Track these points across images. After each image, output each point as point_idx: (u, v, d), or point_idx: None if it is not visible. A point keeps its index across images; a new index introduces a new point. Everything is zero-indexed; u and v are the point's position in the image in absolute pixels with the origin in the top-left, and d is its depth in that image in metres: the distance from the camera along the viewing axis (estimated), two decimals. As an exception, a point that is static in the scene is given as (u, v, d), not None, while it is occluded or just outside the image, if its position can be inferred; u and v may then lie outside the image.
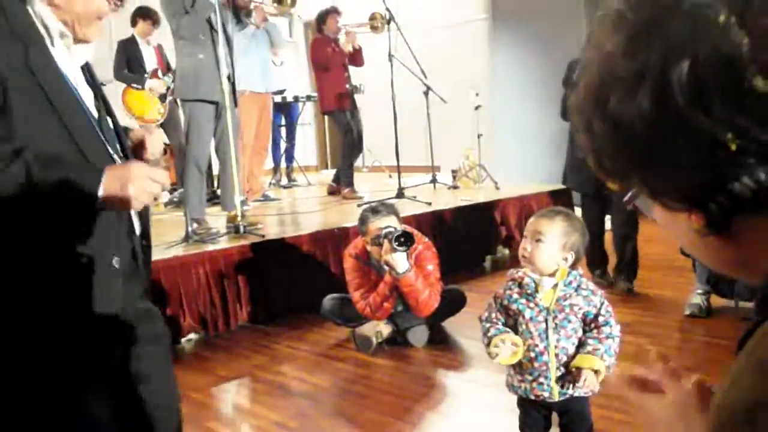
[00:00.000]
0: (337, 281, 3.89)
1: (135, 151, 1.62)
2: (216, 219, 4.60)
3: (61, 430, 1.39)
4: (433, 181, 6.28)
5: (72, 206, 1.29)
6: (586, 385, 1.86)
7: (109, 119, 1.51)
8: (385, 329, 3.46)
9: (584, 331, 1.94)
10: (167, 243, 3.99)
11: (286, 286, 4.00)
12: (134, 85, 6.02)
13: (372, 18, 6.30)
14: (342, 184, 6.15)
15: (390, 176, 6.67)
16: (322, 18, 6.15)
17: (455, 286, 3.81)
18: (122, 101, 6.04)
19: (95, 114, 1.45)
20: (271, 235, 4.23)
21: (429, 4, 7.61)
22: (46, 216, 1.28)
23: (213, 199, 5.36)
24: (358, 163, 7.41)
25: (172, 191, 6.24)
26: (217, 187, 5.82)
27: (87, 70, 1.50)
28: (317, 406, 2.90)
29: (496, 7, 7.08)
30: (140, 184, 1.31)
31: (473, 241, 5.05)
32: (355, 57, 6.26)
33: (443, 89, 6.03)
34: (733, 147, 0.46)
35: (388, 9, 5.69)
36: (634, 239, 4.13)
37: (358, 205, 4.86)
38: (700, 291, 3.60)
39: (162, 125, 6.25)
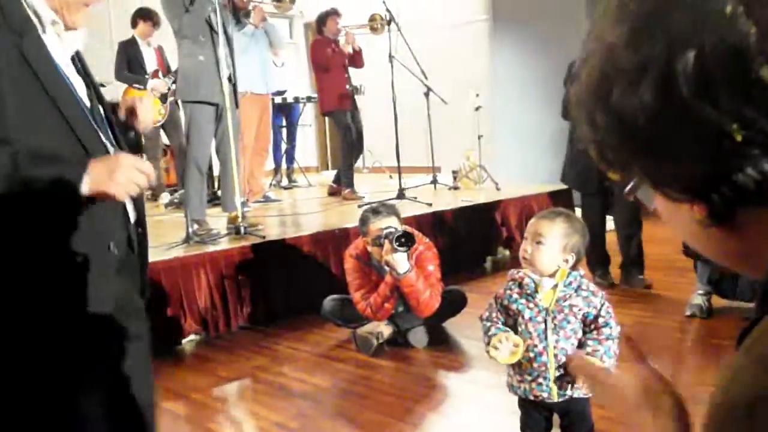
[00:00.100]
0: (337, 282, 3.89)
1: (127, 120, 1.62)
2: (216, 220, 4.60)
3: (58, 426, 1.39)
4: (434, 181, 6.28)
5: (58, 198, 1.29)
6: (585, 387, 1.86)
7: (100, 108, 1.51)
8: (385, 330, 3.46)
9: (584, 332, 1.94)
10: (168, 244, 3.99)
11: (286, 287, 4.00)
12: (136, 86, 6.03)
13: (372, 19, 6.31)
14: (342, 184, 6.15)
15: (390, 177, 6.67)
16: (323, 19, 6.16)
17: (456, 286, 3.80)
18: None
19: (87, 103, 1.45)
20: (272, 236, 4.23)
21: (429, 5, 7.62)
22: (34, 207, 1.28)
23: (213, 200, 5.36)
24: (358, 164, 7.42)
25: (172, 192, 6.25)
26: (218, 188, 5.82)
27: (78, 59, 1.50)
28: (318, 407, 2.89)
29: (496, 8, 7.08)
30: (126, 174, 1.31)
31: (474, 241, 5.05)
32: (355, 58, 6.26)
33: (443, 90, 6.03)
34: (739, 138, 0.46)
35: (388, 10, 5.70)
36: (638, 237, 4.17)
37: (359, 206, 4.86)
38: (701, 291, 3.60)
39: (162, 126, 6.27)
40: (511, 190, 5.73)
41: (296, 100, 7.24)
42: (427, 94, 6.03)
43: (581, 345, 1.92)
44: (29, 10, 1.35)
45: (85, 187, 1.28)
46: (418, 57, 5.74)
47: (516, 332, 1.94)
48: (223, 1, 4.38)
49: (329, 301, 3.66)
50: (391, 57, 5.64)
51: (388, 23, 5.74)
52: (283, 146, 7.37)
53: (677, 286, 4.06)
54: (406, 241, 3.24)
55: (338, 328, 3.68)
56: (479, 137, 6.20)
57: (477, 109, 6.23)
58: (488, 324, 1.98)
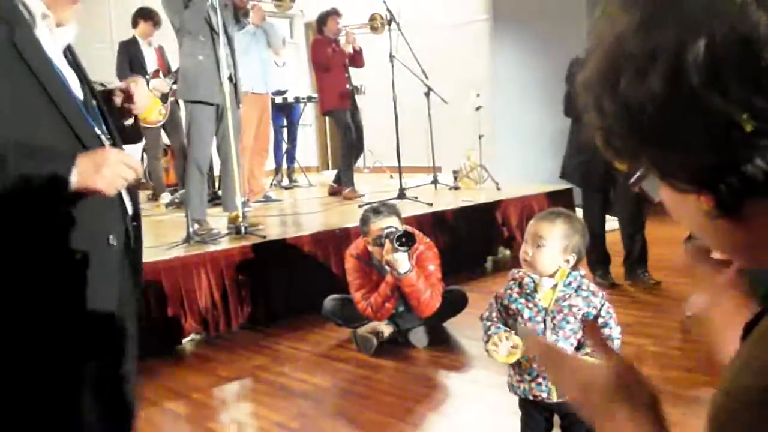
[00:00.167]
0: (338, 282, 3.89)
1: (123, 106, 1.62)
2: (217, 220, 4.60)
3: (55, 424, 1.39)
4: (435, 181, 6.28)
5: (49, 192, 1.28)
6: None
7: (93, 101, 1.51)
8: (386, 330, 3.46)
9: (583, 333, 1.93)
10: (168, 244, 3.99)
11: (287, 286, 4.00)
12: None
13: (372, 18, 6.31)
14: (342, 184, 6.15)
15: (391, 177, 6.67)
16: (323, 19, 6.16)
17: (456, 286, 3.80)
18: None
19: (80, 93, 1.45)
20: (273, 235, 4.23)
21: (430, 5, 7.61)
22: (26, 201, 1.28)
23: (214, 199, 5.36)
24: (359, 163, 7.42)
25: (173, 192, 6.25)
26: (218, 188, 5.82)
27: (69, 52, 1.50)
28: (318, 407, 2.89)
29: (496, 8, 7.08)
30: (113, 169, 1.31)
31: (474, 241, 5.04)
32: (356, 58, 6.26)
33: (444, 90, 6.03)
34: (748, 128, 0.46)
35: (388, 10, 5.70)
36: (642, 234, 4.21)
37: (360, 206, 4.86)
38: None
39: (163, 126, 6.27)
40: (511, 189, 5.73)
41: (297, 99, 7.24)
42: (427, 94, 6.03)
43: (580, 345, 1.91)
44: (18, 2, 1.35)
45: (74, 181, 1.28)
46: (418, 57, 5.74)
47: (515, 332, 1.94)
48: (224, 1, 4.38)
49: (330, 301, 3.66)
50: (391, 57, 5.64)
51: (389, 23, 5.74)
52: (284, 146, 7.38)
53: (678, 286, 4.06)
54: (406, 240, 3.24)
55: (339, 328, 3.67)
56: (480, 137, 6.20)
57: (478, 108, 6.23)
58: (488, 323, 1.98)
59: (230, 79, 4.33)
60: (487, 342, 1.93)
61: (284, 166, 7.49)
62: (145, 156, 6.72)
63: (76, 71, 1.49)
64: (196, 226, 4.21)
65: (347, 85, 6.11)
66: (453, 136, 6.62)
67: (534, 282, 1.94)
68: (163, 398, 2.99)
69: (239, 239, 4.10)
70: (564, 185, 5.47)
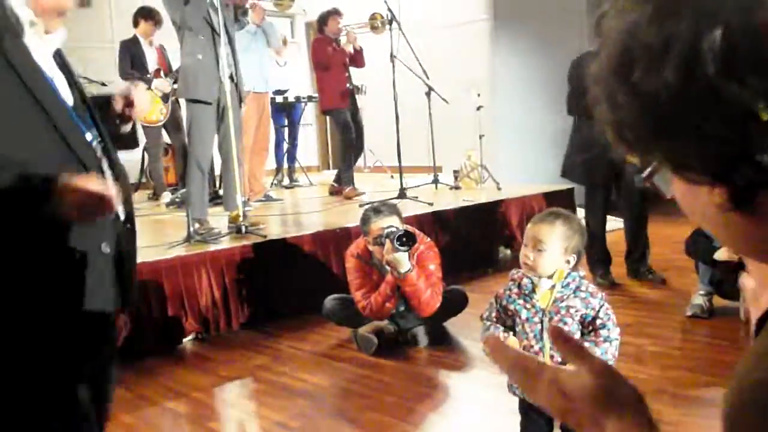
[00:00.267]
0: (338, 281, 3.89)
1: (123, 111, 1.61)
2: (218, 219, 4.60)
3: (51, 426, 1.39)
4: (435, 181, 6.28)
5: (29, 209, 1.28)
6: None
7: (84, 105, 1.51)
8: (386, 329, 3.46)
9: (582, 334, 1.93)
10: (169, 243, 3.99)
11: (287, 286, 4.00)
12: None
13: (372, 18, 6.30)
14: (342, 183, 6.16)
15: (392, 176, 6.67)
16: (324, 19, 6.16)
17: (457, 286, 3.80)
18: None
19: (70, 99, 1.45)
20: (273, 235, 4.23)
21: (430, 5, 7.61)
22: (11, 214, 1.27)
23: (214, 199, 5.36)
24: (359, 163, 7.42)
25: (173, 191, 6.26)
26: (219, 188, 5.82)
27: (59, 57, 1.50)
28: (318, 407, 2.90)
29: (497, 8, 7.08)
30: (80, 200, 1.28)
31: (475, 241, 5.04)
32: (356, 58, 6.27)
33: (445, 90, 6.03)
34: (765, 117, 0.45)
35: (389, 9, 5.70)
36: (646, 232, 4.27)
37: (360, 205, 4.86)
38: (702, 292, 3.59)
39: (164, 125, 6.27)
40: (512, 189, 5.73)
41: (298, 99, 7.25)
42: (428, 94, 6.03)
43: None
44: (6, 10, 1.35)
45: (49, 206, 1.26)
46: (419, 57, 5.74)
47: (514, 332, 1.94)
48: (225, 0, 4.38)
49: (330, 301, 3.66)
50: (392, 57, 5.64)
51: (390, 23, 5.74)
52: (285, 146, 7.38)
53: (678, 287, 4.06)
54: (407, 240, 3.24)
55: (339, 328, 3.68)
56: (480, 137, 6.20)
57: (478, 108, 6.23)
58: (487, 323, 1.98)
59: (231, 78, 4.33)
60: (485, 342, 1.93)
61: (285, 165, 7.49)
62: (146, 155, 6.73)
63: (66, 76, 1.49)
64: (197, 225, 4.21)
65: (347, 85, 6.11)
66: (453, 136, 6.62)
67: (532, 283, 1.94)
68: (164, 398, 3.00)
69: (240, 239, 4.11)
70: (565, 185, 5.48)
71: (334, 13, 6.16)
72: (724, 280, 3.49)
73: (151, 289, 3.52)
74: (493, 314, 1.99)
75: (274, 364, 3.34)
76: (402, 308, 3.46)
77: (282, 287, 3.99)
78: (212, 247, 3.91)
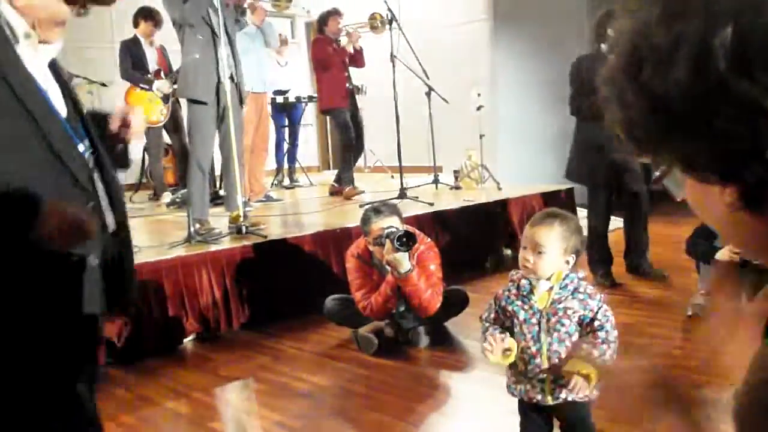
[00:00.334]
0: (339, 281, 3.89)
1: (118, 132, 1.62)
2: (218, 219, 4.60)
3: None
4: (435, 181, 6.27)
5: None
6: (577, 390, 1.82)
7: (77, 115, 1.51)
8: (387, 330, 3.46)
9: (581, 335, 1.91)
10: (170, 243, 4.00)
11: (288, 286, 4.00)
12: (142, 86, 6.05)
13: (372, 18, 6.30)
14: (342, 183, 6.16)
15: (392, 176, 6.67)
16: (324, 19, 6.17)
17: (458, 286, 3.80)
18: (125, 102, 6.06)
19: (63, 110, 1.45)
20: (274, 235, 4.23)
21: (430, 5, 7.61)
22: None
23: (215, 199, 5.36)
24: (360, 163, 7.42)
25: (174, 192, 6.26)
26: (220, 188, 5.83)
27: (53, 67, 1.50)
28: (319, 407, 2.90)
29: (497, 8, 7.08)
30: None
31: (475, 241, 5.04)
32: (357, 58, 6.27)
33: (445, 90, 6.03)
34: None
35: (389, 9, 5.70)
36: (646, 231, 4.33)
37: (360, 206, 4.86)
38: (703, 292, 3.59)
39: (164, 126, 6.28)
40: (512, 189, 5.72)
41: (298, 99, 7.25)
42: (428, 94, 6.03)
43: (575, 348, 1.89)
44: (1, 20, 1.35)
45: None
46: (419, 57, 5.74)
47: (513, 334, 1.94)
48: (227, 1, 4.38)
49: (331, 301, 3.66)
50: (392, 57, 5.64)
51: (390, 23, 5.74)
52: (285, 146, 7.38)
53: (679, 287, 4.06)
54: (407, 240, 3.24)
55: (340, 328, 3.68)
56: (481, 137, 6.20)
57: (478, 108, 6.23)
58: (486, 324, 1.98)
59: (231, 78, 4.33)
60: (483, 343, 1.93)
61: (285, 166, 7.50)
62: (146, 155, 6.73)
63: (61, 87, 1.49)
64: (198, 225, 4.22)
65: (347, 84, 6.11)
66: (454, 136, 6.62)
67: (530, 284, 1.93)
68: (164, 398, 3.00)
69: (240, 239, 4.11)
70: (565, 184, 5.48)
71: (335, 13, 6.16)
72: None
73: (152, 289, 3.52)
74: (492, 315, 1.99)
75: (274, 365, 3.34)
76: (402, 308, 3.46)
77: (282, 287, 3.99)
78: (213, 248, 3.91)
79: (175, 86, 5.59)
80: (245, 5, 4.96)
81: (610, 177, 4.10)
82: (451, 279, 3.80)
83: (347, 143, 6.13)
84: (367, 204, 4.51)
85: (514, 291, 1.97)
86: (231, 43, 4.40)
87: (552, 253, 1.90)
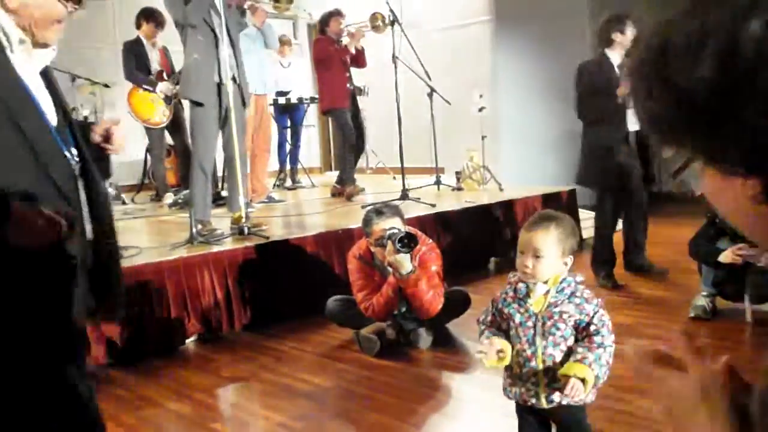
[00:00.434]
0: (341, 282, 3.89)
1: (99, 144, 1.63)
2: (220, 220, 4.61)
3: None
4: (437, 182, 6.28)
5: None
6: (573, 394, 1.82)
7: (66, 122, 1.51)
8: (389, 331, 3.46)
9: (576, 339, 1.91)
10: (172, 244, 4.00)
11: (290, 287, 4.00)
12: (147, 87, 6.06)
13: (374, 17, 6.30)
14: (344, 183, 6.16)
15: (394, 178, 6.67)
16: (325, 20, 6.17)
17: (459, 287, 3.80)
18: (128, 103, 6.07)
19: (54, 117, 1.45)
20: (276, 236, 4.24)
21: (432, 6, 7.62)
22: None
23: (217, 200, 5.37)
24: (362, 164, 7.42)
25: (176, 193, 6.27)
26: (222, 189, 5.83)
27: (45, 76, 1.50)
28: (321, 408, 2.90)
29: (499, 9, 7.08)
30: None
31: (477, 242, 5.04)
32: (358, 58, 6.27)
33: (447, 91, 6.03)
34: None
35: (391, 11, 5.70)
36: (646, 231, 4.40)
37: (362, 207, 4.86)
38: (705, 293, 3.59)
39: (166, 126, 6.28)
40: (514, 191, 5.72)
41: (300, 100, 7.25)
42: (430, 95, 6.03)
43: (571, 352, 1.88)
44: None
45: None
46: (421, 58, 5.74)
47: (509, 336, 1.94)
48: (228, 1, 4.38)
49: (333, 302, 3.66)
50: (394, 58, 5.65)
51: (392, 24, 5.74)
52: (287, 147, 7.39)
53: (681, 288, 4.05)
54: (408, 242, 3.24)
55: (341, 329, 3.68)
56: (483, 138, 6.20)
57: (480, 110, 6.23)
58: (482, 327, 1.98)
59: (234, 79, 4.33)
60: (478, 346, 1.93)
61: (287, 167, 7.50)
62: (148, 156, 6.74)
63: (52, 95, 1.49)
64: (200, 226, 4.22)
65: (347, 85, 6.11)
66: (456, 137, 6.62)
67: (527, 287, 1.93)
68: (166, 399, 3.00)
69: (242, 240, 4.11)
70: (567, 186, 5.48)
71: (336, 14, 6.16)
72: (727, 281, 3.49)
73: (154, 290, 3.52)
74: (489, 318, 1.99)
75: (276, 365, 3.34)
76: (404, 309, 3.46)
77: (284, 288, 3.99)
78: (215, 249, 3.91)
79: (178, 87, 5.60)
80: (245, 6, 4.96)
81: (618, 179, 4.11)
82: (452, 280, 3.80)
83: (348, 144, 6.13)
84: (368, 205, 4.51)
85: (511, 294, 1.96)
86: (233, 44, 4.40)
87: (550, 257, 1.89)
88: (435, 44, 6.99)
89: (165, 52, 6.31)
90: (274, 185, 7.14)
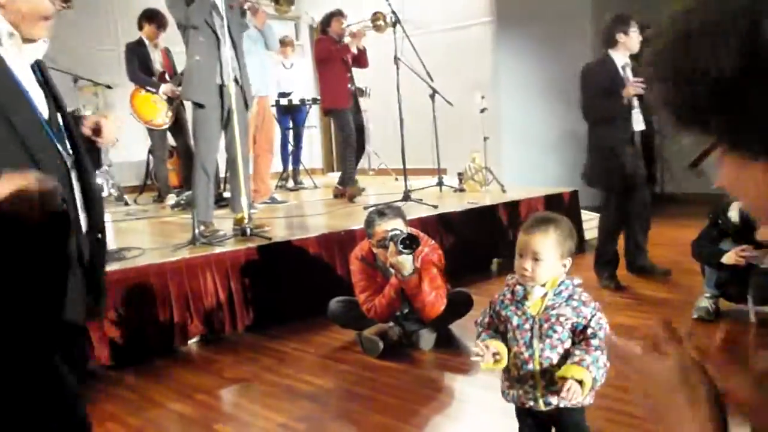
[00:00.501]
0: (343, 284, 3.89)
1: (89, 137, 1.63)
2: (223, 221, 4.61)
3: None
4: (440, 183, 6.28)
5: None
6: (570, 396, 1.82)
7: (59, 115, 1.51)
8: (391, 332, 3.46)
9: (573, 342, 1.90)
10: (174, 245, 4.00)
11: (292, 288, 4.01)
12: (148, 88, 6.07)
13: (375, 17, 6.30)
14: (345, 184, 6.16)
15: (396, 179, 6.67)
16: (327, 20, 6.18)
17: (462, 288, 3.80)
18: (130, 104, 6.08)
19: (46, 110, 1.45)
20: (278, 237, 4.24)
21: (433, 7, 7.62)
22: None
23: (219, 201, 5.37)
24: (364, 165, 7.42)
25: (178, 194, 6.27)
26: (224, 190, 5.84)
27: (38, 68, 1.50)
28: (323, 409, 2.90)
29: (500, 10, 7.08)
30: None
31: (480, 243, 5.04)
32: (360, 58, 6.27)
33: (449, 92, 6.03)
34: None
35: (393, 12, 5.70)
36: (648, 230, 4.41)
37: (365, 208, 4.86)
38: (708, 295, 3.59)
39: (168, 128, 6.29)
40: (516, 192, 5.72)
41: (302, 102, 7.26)
42: (432, 96, 6.03)
43: (568, 354, 1.88)
44: None
45: None
46: (423, 59, 5.74)
47: (506, 338, 1.94)
48: (230, 2, 4.39)
49: (335, 303, 3.66)
50: (396, 59, 5.65)
51: (394, 25, 5.75)
52: (290, 148, 7.39)
53: (684, 289, 4.04)
54: (410, 243, 3.24)
55: (344, 330, 3.68)
56: (485, 139, 6.19)
57: (482, 111, 6.23)
58: (480, 329, 1.98)
59: (236, 81, 4.34)
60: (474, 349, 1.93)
61: (290, 167, 7.50)
62: (151, 157, 6.75)
63: (45, 88, 1.49)
64: (202, 227, 4.22)
65: (349, 85, 6.12)
66: (458, 138, 6.62)
67: (525, 290, 1.93)
68: (168, 399, 3.00)
69: (245, 241, 4.11)
70: (569, 187, 5.48)
71: (338, 14, 6.17)
72: (730, 283, 3.48)
73: (157, 291, 3.53)
74: (486, 320, 1.99)
75: (279, 367, 3.34)
76: (406, 311, 3.46)
77: (287, 289, 4.00)
78: (217, 250, 3.91)
79: (180, 88, 5.60)
80: (245, 7, 4.97)
81: (622, 179, 4.11)
82: (455, 281, 3.80)
83: (349, 145, 6.13)
84: (371, 206, 4.51)
85: (508, 296, 1.96)
86: (235, 45, 4.40)
87: (549, 260, 1.89)
88: (436, 45, 6.99)
89: (167, 54, 6.32)
90: (277, 186, 7.15)
